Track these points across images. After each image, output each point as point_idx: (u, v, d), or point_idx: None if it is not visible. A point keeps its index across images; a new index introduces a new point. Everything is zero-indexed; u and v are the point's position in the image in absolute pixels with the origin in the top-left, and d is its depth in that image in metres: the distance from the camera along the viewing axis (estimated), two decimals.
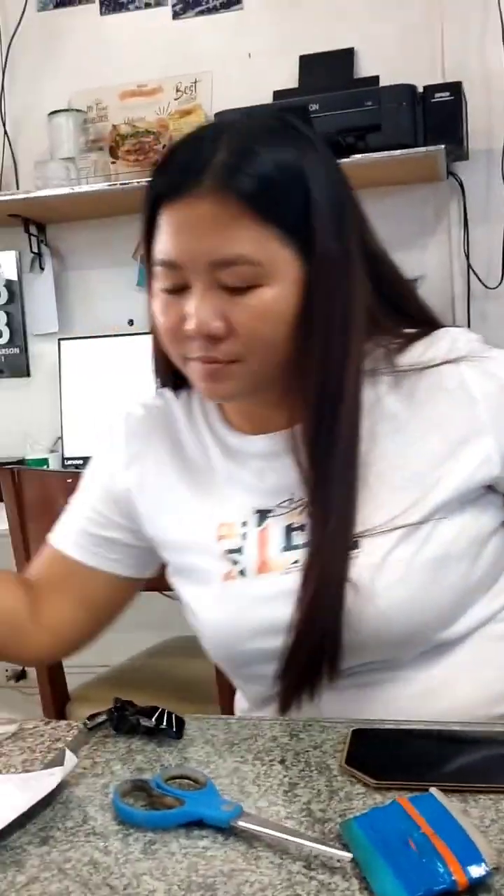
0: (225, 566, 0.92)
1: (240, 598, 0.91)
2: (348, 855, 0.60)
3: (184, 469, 0.97)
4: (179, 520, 0.97)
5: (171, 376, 1.00)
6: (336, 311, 0.86)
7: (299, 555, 0.88)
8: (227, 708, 1.48)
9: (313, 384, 0.86)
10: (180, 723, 0.82)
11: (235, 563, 0.91)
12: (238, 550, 0.92)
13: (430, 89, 2.15)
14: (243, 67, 2.47)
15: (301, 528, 0.89)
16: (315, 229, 0.84)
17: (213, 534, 0.93)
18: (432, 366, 0.89)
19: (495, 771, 0.73)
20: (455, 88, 2.16)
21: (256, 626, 0.89)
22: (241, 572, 0.91)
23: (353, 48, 2.40)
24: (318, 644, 0.85)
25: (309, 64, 2.41)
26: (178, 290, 0.85)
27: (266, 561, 0.90)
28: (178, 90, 2.54)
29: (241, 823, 0.64)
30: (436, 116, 2.13)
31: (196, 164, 0.82)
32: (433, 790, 0.65)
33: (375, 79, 2.29)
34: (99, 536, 1.02)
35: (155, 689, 1.69)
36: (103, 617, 1.05)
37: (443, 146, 2.11)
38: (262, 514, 0.92)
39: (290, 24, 2.44)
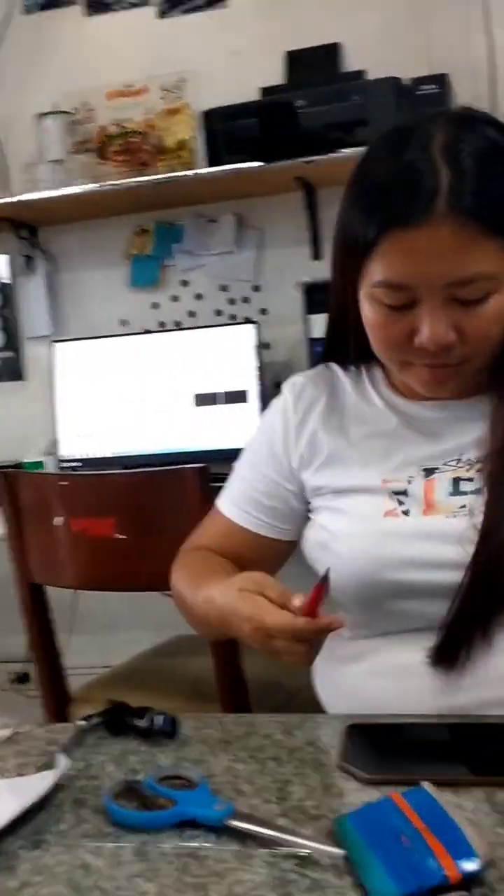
0: (389, 504, 0.95)
1: (400, 532, 0.94)
2: (341, 852, 0.60)
3: (351, 428, 1.02)
4: (346, 471, 1.00)
5: (344, 354, 1.05)
6: None
7: (467, 500, 0.92)
8: (229, 705, 1.49)
9: None
10: (174, 722, 0.82)
11: (401, 503, 0.95)
12: (404, 493, 0.95)
13: (416, 82, 2.15)
14: (229, 65, 2.46)
15: (469, 480, 0.94)
16: None
17: (378, 481, 0.97)
18: None
19: (489, 763, 0.73)
20: (441, 80, 2.15)
21: (409, 559, 0.92)
22: (405, 512, 0.94)
23: (338, 43, 2.39)
24: (492, 589, 0.88)
25: (295, 60, 2.41)
26: (404, 306, 0.87)
27: (432, 503, 0.94)
28: (164, 89, 2.53)
29: (234, 822, 0.64)
30: (423, 108, 2.12)
31: (422, 189, 0.83)
32: (426, 784, 0.65)
33: (361, 73, 2.29)
34: (274, 508, 1.06)
35: (156, 689, 1.68)
36: (275, 574, 1.10)
37: None
38: (429, 471, 0.96)
39: (275, 21, 2.43)
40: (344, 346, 1.04)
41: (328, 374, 1.08)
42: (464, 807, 0.66)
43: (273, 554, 1.08)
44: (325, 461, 1.03)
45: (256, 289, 2.56)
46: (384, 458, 0.99)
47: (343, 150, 2.08)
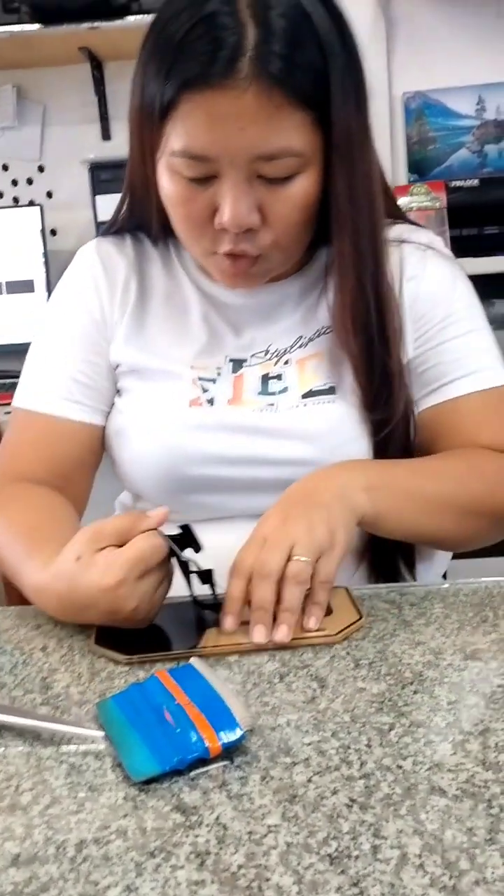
0: (194, 392, 0.91)
1: (203, 425, 0.89)
2: (100, 733, 0.57)
3: (159, 305, 0.95)
4: (154, 350, 0.94)
5: (146, 232, 0.97)
6: (359, 188, 0.83)
7: (275, 399, 0.90)
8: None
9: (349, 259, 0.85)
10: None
11: (205, 390, 0.91)
12: (212, 381, 0.91)
13: None
14: None
15: (278, 377, 0.91)
16: (336, 104, 0.77)
17: (187, 364, 0.92)
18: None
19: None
20: None
21: (212, 454, 0.89)
22: (210, 401, 0.90)
23: None
24: None
25: None
26: (205, 178, 0.79)
27: (239, 397, 0.91)
28: None
29: None
30: None
31: (225, 45, 0.72)
32: (193, 660, 0.63)
33: None
34: (92, 388, 0.95)
35: None
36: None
37: None
38: (237, 363, 0.92)
39: None
40: (146, 225, 0.95)
41: (136, 241, 0.98)
42: (232, 679, 0.65)
43: (101, 443, 0.97)
44: (129, 335, 0.94)
45: (41, 169, 2.39)
46: (192, 342, 0.93)
47: (129, 18, 1.95)
